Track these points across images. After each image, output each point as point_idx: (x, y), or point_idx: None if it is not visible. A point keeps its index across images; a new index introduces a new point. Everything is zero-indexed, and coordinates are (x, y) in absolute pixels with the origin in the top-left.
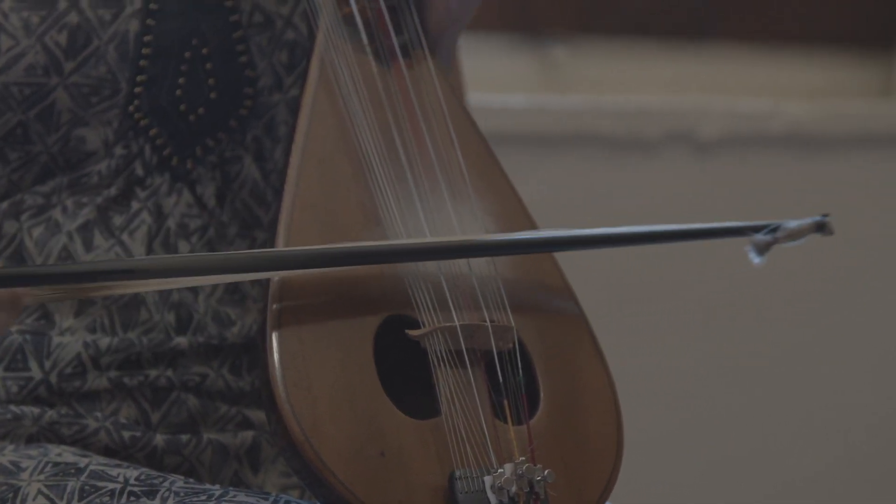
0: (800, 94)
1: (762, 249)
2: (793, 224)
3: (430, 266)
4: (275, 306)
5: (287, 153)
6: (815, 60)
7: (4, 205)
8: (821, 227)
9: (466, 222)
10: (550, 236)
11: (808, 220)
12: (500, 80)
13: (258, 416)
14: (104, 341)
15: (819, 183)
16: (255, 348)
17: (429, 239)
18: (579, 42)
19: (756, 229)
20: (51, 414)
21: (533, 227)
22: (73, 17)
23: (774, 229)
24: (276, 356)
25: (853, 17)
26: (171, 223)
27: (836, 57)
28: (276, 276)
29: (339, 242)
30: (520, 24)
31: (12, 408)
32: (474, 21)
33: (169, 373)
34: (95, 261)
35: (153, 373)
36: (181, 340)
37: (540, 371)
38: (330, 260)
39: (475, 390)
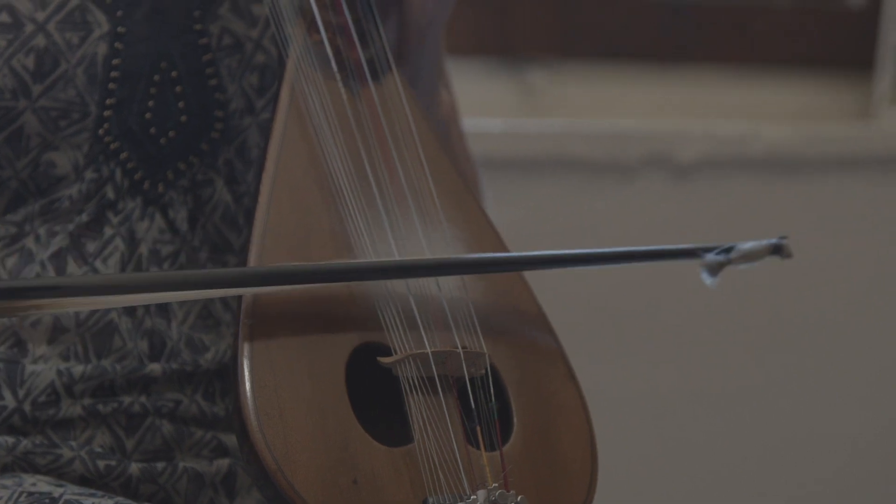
0: (778, 118)
1: (714, 270)
2: (747, 245)
3: (401, 292)
4: (246, 334)
5: (258, 180)
6: (794, 83)
7: None
8: (778, 250)
9: (437, 249)
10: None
11: (764, 242)
12: (479, 105)
13: (233, 440)
14: (77, 369)
15: (798, 206)
16: (228, 374)
17: (393, 259)
18: (557, 66)
19: (708, 250)
20: (25, 444)
21: (506, 251)
22: (40, 40)
23: (728, 250)
24: (247, 384)
25: (831, 40)
26: (144, 249)
27: (814, 80)
28: (198, 296)
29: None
30: (498, 48)
31: None
32: (452, 45)
33: (143, 399)
34: (22, 278)
35: (127, 399)
36: (154, 367)
37: (513, 396)
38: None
39: (448, 417)
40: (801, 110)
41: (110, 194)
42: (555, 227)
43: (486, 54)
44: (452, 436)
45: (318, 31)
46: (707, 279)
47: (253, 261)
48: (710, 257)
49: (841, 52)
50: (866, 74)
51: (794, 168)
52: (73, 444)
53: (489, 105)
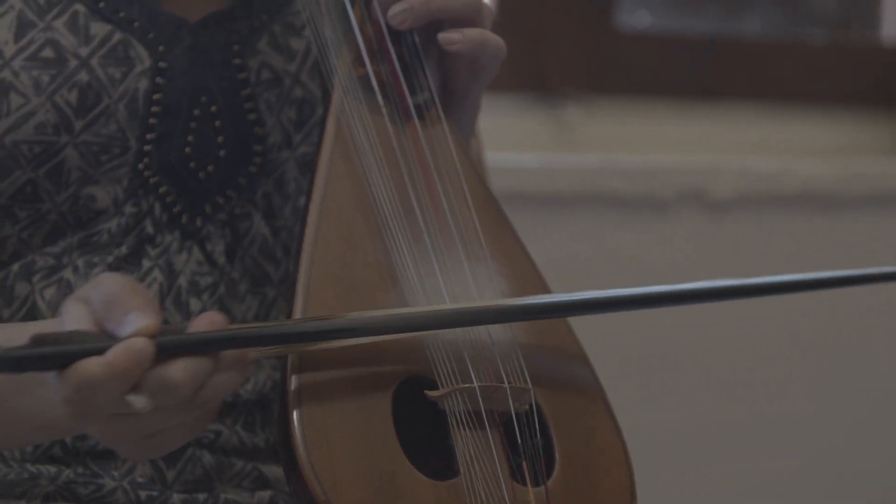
0: (812, 153)
1: None
2: None
3: (449, 329)
4: (294, 366)
5: (305, 211)
6: (828, 120)
7: (16, 267)
8: None
9: (482, 283)
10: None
11: None
12: (513, 140)
13: (273, 472)
14: None
15: (833, 242)
16: (268, 405)
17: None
18: (592, 102)
19: None
20: (67, 473)
21: (545, 288)
22: (83, 76)
23: None
24: (295, 416)
25: (865, 76)
26: (183, 281)
27: (848, 116)
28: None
29: (357, 307)
30: (532, 84)
31: (29, 467)
32: None
33: None
34: (318, 320)
35: None
36: None
37: (555, 433)
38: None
39: (494, 452)
40: (835, 147)
41: (149, 228)
42: (588, 263)
43: (521, 90)
44: (499, 470)
45: (363, 64)
46: None
47: (300, 290)
48: None
49: (875, 89)
50: None
51: (829, 204)
52: (115, 473)
53: (524, 140)
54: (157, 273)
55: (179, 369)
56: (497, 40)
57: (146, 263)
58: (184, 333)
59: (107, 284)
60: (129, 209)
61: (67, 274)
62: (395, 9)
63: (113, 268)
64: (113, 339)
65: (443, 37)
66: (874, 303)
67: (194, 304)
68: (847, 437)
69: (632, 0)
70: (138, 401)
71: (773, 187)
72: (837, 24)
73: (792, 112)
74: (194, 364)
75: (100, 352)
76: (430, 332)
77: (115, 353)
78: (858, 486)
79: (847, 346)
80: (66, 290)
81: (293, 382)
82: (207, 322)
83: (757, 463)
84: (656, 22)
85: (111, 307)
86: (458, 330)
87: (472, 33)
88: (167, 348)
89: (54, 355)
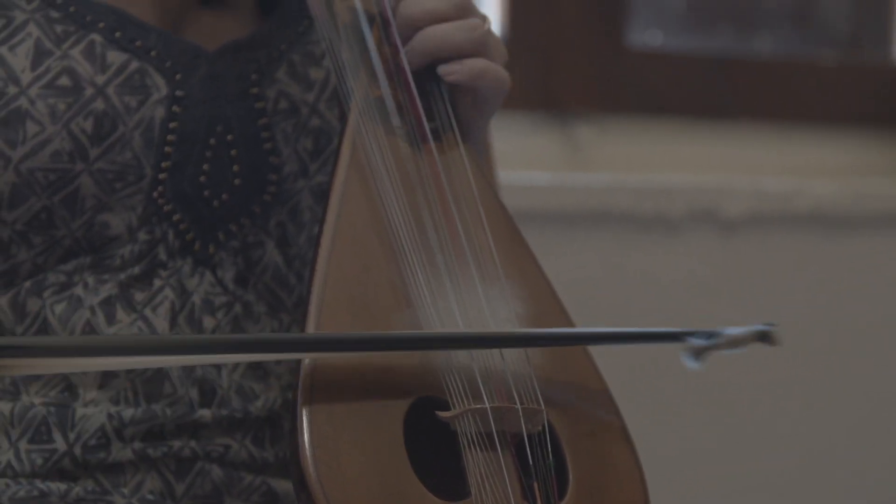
0: (824, 173)
1: (698, 354)
2: (733, 331)
3: (462, 350)
4: (306, 385)
5: (319, 232)
6: (840, 140)
7: (27, 283)
8: (764, 337)
9: (496, 305)
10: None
11: (751, 329)
12: (524, 159)
13: (282, 486)
14: (128, 413)
15: (844, 261)
16: (278, 421)
17: (463, 331)
18: (603, 121)
19: (692, 334)
20: (77, 490)
21: (561, 309)
22: (99, 104)
23: (712, 335)
24: (306, 435)
25: (877, 96)
26: (196, 299)
27: (860, 137)
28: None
29: (370, 328)
30: (544, 103)
31: (38, 484)
32: None
33: (192, 444)
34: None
35: (177, 444)
36: (204, 413)
37: (569, 454)
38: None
39: (505, 472)
40: (847, 167)
41: (162, 255)
42: (598, 282)
43: (533, 109)
44: (510, 492)
45: (379, 86)
46: (690, 363)
47: (312, 312)
48: (694, 342)
49: (887, 109)
50: None
51: (841, 224)
52: (125, 490)
53: (535, 159)
54: (167, 291)
55: None
56: (499, 71)
57: (157, 282)
58: None
59: None
60: (142, 236)
61: (77, 290)
62: (422, 54)
63: (123, 285)
64: None
65: (442, 69)
66: (874, 303)
67: (208, 321)
68: (847, 437)
69: (643, 19)
70: None
71: (785, 207)
72: (849, 45)
73: (803, 132)
74: None
75: None
76: (439, 351)
77: None
78: (858, 486)
79: (848, 345)
80: (77, 304)
81: (304, 401)
82: None
83: (757, 463)
84: (668, 41)
85: None
86: (471, 351)
87: (472, 63)
88: None
89: None
